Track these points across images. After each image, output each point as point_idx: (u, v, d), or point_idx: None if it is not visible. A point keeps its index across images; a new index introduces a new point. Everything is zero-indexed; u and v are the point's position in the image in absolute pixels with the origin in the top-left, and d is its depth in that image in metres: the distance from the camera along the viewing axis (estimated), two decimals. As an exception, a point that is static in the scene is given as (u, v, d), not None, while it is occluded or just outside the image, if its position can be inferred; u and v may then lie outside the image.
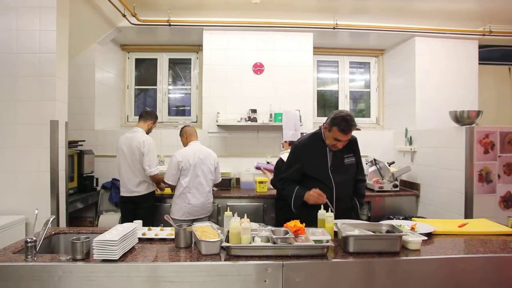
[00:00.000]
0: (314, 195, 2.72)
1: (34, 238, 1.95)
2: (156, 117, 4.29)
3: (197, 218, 3.84)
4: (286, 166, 3.02)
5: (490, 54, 5.83)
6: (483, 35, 5.17)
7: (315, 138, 2.93)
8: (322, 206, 2.56)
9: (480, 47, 5.49)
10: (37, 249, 1.97)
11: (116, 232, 2.03)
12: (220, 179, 4.15)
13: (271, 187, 4.49)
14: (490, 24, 5.10)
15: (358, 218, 2.94)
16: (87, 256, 1.95)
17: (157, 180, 4.05)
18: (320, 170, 2.86)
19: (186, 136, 4.07)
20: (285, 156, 3.90)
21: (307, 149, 2.90)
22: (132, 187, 3.97)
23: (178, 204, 3.82)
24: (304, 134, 3.12)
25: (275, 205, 4.23)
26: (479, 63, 5.45)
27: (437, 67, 5.30)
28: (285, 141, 4.23)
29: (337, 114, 2.72)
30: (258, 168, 4.77)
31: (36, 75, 3.35)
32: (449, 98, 5.25)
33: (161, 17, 4.90)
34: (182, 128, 4.14)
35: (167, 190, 4.42)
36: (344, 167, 2.91)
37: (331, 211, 2.46)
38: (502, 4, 4.38)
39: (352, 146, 2.96)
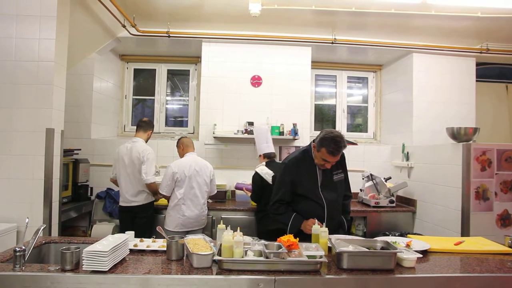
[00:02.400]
0: (311, 225, 2.63)
1: (23, 247, 1.92)
2: (153, 126, 4.30)
3: (191, 230, 3.81)
4: (277, 187, 2.95)
5: (487, 72, 5.87)
6: (480, 52, 5.21)
7: (305, 156, 2.90)
8: (316, 221, 2.53)
9: (478, 64, 5.53)
10: (26, 259, 1.93)
11: (107, 243, 2.00)
12: (216, 191, 4.13)
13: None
14: (487, 42, 5.14)
15: (346, 235, 2.91)
16: (76, 267, 1.92)
17: (154, 190, 4.03)
18: (310, 188, 2.83)
19: (182, 147, 4.06)
20: (260, 169, 3.96)
21: (297, 167, 2.86)
22: (130, 197, 3.95)
23: (172, 216, 3.79)
24: (295, 151, 3.07)
25: (255, 217, 4.19)
26: (477, 80, 5.49)
27: (435, 83, 5.33)
28: (260, 155, 4.23)
29: (327, 134, 2.68)
30: (239, 188, 4.72)
31: (34, 83, 3.33)
32: (446, 115, 5.26)
33: (161, 28, 4.93)
34: (179, 139, 4.13)
35: (163, 201, 4.38)
36: (333, 184, 2.89)
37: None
38: (499, 23, 4.42)
39: (341, 162, 2.92)
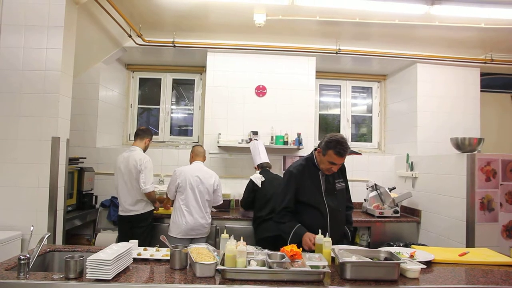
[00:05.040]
0: (308, 242, 2.62)
1: (28, 255, 1.93)
2: (152, 134, 4.30)
3: (195, 237, 3.83)
4: (283, 193, 2.94)
5: (492, 82, 5.86)
6: (485, 63, 5.21)
7: (308, 163, 2.91)
8: (320, 231, 2.52)
9: (482, 74, 5.53)
10: (30, 267, 1.94)
11: (111, 252, 2.01)
12: (221, 202, 4.14)
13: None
14: (492, 52, 5.15)
15: (350, 245, 2.90)
16: (80, 275, 1.93)
17: (153, 199, 4.04)
18: (314, 195, 2.83)
19: (192, 155, 4.16)
20: (253, 176, 4.21)
21: (300, 174, 2.87)
22: (128, 206, 3.96)
23: (175, 222, 3.85)
24: (299, 159, 3.09)
25: (252, 225, 4.23)
26: (481, 91, 5.48)
27: (439, 94, 5.33)
28: (255, 166, 4.49)
29: (331, 137, 2.71)
30: None
31: (40, 92, 3.38)
32: (450, 125, 5.26)
33: (166, 38, 4.98)
34: (193, 147, 4.22)
35: (162, 210, 4.46)
36: (336, 192, 2.91)
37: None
38: (503, 33, 4.43)
39: (342, 170, 2.98)
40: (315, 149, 2.88)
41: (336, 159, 2.68)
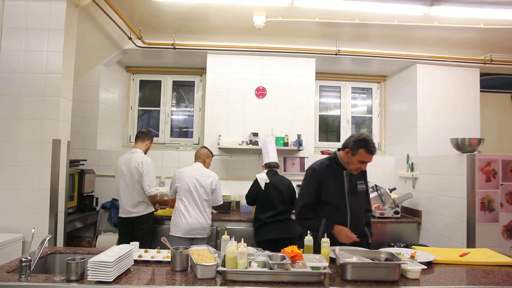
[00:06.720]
0: (343, 232, 2.71)
1: (29, 258, 1.94)
2: (152, 136, 4.33)
3: (195, 237, 3.85)
4: (304, 191, 2.97)
5: (492, 82, 5.86)
6: (484, 63, 5.21)
7: (331, 163, 2.94)
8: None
9: (482, 75, 5.54)
10: (32, 269, 1.95)
11: (112, 254, 2.01)
12: (221, 202, 4.14)
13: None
14: (491, 53, 5.15)
15: (369, 246, 2.90)
16: (81, 277, 1.93)
17: (155, 201, 4.08)
18: (337, 195, 2.86)
19: (195, 157, 4.18)
20: (259, 174, 4.15)
21: (323, 173, 2.89)
22: (129, 208, 3.96)
23: (174, 221, 3.89)
24: (321, 159, 3.09)
25: (253, 226, 4.21)
26: (481, 91, 5.48)
27: (439, 94, 5.33)
28: (263, 165, 4.44)
29: (359, 137, 2.77)
30: None
31: (41, 94, 3.39)
32: (450, 125, 5.27)
33: (166, 40, 4.99)
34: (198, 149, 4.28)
35: (163, 212, 4.45)
36: (357, 193, 2.94)
37: None
38: (502, 34, 4.43)
39: (363, 173, 3.02)
40: (339, 150, 2.93)
41: (367, 157, 2.74)
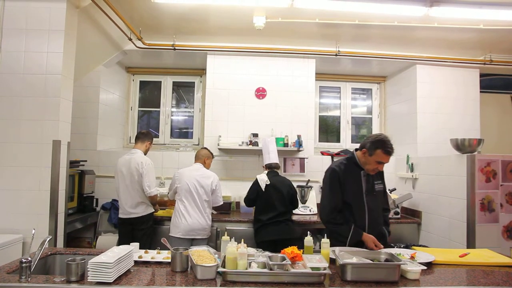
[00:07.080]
0: (370, 240, 2.72)
1: (29, 258, 1.94)
2: (152, 137, 4.34)
3: (195, 238, 3.85)
4: (328, 192, 2.94)
5: (491, 83, 5.86)
6: (484, 64, 5.21)
7: (349, 163, 2.95)
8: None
9: (482, 75, 5.54)
10: (32, 270, 1.95)
11: (112, 254, 2.01)
12: (221, 202, 4.14)
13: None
14: (491, 53, 5.15)
15: (386, 245, 2.89)
16: (81, 278, 1.93)
17: (155, 201, 4.09)
18: (355, 195, 2.87)
19: (195, 158, 4.20)
20: (259, 175, 4.13)
21: (343, 173, 2.90)
22: (129, 208, 3.97)
23: (174, 222, 3.89)
24: (338, 159, 3.10)
25: (253, 227, 4.21)
26: (481, 91, 5.48)
27: (438, 95, 5.33)
28: (263, 166, 4.43)
29: (377, 137, 2.78)
30: None
31: (41, 95, 3.40)
32: (450, 126, 5.26)
33: (166, 41, 4.99)
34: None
35: (162, 213, 4.46)
36: (375, 192, 2.94)
37: None
38: (501, 34, 4.44)
39: (381, 174, 3.02)
40: (356, 150, 2.94)
41: (385, 157, 2.74)
